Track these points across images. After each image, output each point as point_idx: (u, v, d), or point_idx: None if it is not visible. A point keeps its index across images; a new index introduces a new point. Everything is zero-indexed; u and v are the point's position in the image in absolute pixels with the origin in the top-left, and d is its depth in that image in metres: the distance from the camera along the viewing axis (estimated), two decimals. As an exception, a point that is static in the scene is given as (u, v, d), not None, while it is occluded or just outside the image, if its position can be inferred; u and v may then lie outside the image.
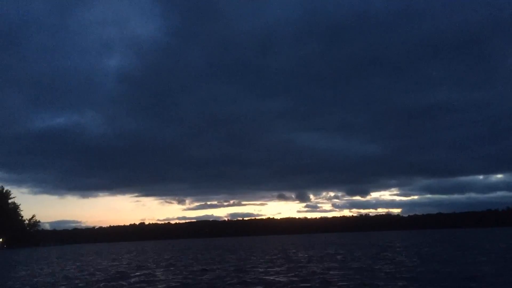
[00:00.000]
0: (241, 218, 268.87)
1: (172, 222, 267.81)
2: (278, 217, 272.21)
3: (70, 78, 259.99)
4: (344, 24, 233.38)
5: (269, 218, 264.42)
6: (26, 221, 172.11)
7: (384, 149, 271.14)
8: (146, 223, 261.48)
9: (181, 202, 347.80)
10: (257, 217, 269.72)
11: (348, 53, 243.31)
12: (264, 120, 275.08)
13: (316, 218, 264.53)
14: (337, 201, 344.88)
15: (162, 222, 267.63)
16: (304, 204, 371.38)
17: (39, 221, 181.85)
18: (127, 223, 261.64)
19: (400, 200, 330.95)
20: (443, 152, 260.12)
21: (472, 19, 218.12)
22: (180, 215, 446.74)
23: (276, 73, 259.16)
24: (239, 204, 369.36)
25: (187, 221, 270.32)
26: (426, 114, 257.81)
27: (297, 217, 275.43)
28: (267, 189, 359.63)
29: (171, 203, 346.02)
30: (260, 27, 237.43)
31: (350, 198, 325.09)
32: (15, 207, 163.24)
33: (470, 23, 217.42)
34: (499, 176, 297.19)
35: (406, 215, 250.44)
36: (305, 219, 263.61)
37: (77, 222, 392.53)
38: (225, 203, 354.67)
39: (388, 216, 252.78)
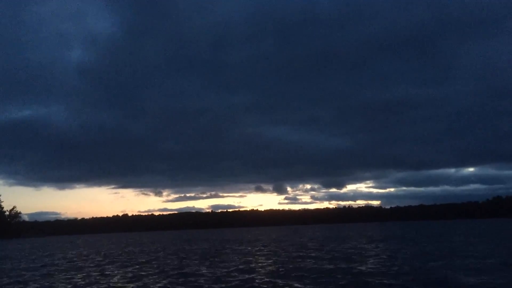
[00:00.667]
0: (224, 210, 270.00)
1: (155, 213, 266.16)
2: (261, 208, 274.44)
3: (33, 71, 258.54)
4: (296, 21, 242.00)
5: (253, 209, 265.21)
6: (7, 213, 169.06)
7: (353, 143, 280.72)
8: (129, 214, 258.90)
9: (158, 194, 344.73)
10: (240, 209, 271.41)
11: (303, 49, 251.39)
12: (230, 114, 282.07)
13: (300, 210, 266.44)
14: (315, 193, 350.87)
15: (146, 214, 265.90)
16: (284, 196, 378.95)
17: (20, 212, 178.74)
18: (108, 215, 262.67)
19: (378, 192, 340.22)
20: (411, 146, 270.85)
21: (421, 18, 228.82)
22: (161, 207, 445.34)
23: (234, 68, 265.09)
24: (217, 196, 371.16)
25: (169, 212, 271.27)
26: (388, 109, 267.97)
27: (279, 208, 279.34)
28: (244, 182, 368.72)
29: (148, 195, 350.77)
30: (213, 24, 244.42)
31: (327, 190, 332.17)
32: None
33: (419, 22, 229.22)
34: (471, 169, 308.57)
35: (387, 207, 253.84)
36: (290, 210, 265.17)
37: (56, 213, 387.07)
38: (204, 195, 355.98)
39: (371, 208, 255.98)
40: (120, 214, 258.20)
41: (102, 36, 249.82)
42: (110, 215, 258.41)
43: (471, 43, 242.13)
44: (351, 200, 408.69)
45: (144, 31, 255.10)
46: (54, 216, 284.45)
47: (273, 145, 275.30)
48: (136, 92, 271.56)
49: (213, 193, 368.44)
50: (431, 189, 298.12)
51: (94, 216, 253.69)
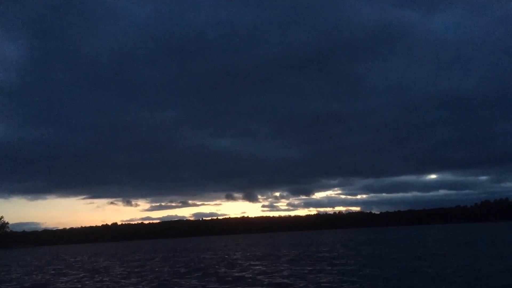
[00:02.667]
0: (207, 218, 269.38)
1: (138, 222, 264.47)
2: (245, 215, 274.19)
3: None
4: (203, 40, 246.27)
5: (243, 217, 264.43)
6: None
7: (301, 153, 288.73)
8: (109, 224, 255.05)
9: (128, 204, 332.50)
10: (225, 216, 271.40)
11: (214, 68, 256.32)
12: (165, 127, 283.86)
13: (289, 216, 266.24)
14: (291, 201, 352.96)
15: (137, 222, 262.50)
16: (261, 203, 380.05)
17: (7, 223, 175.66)
18: (89, 224, 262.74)
19: (353, 198, 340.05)
20: (358, 155, 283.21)
21: (317, 39, 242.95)
22: (143, 216, 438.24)
23: (153, 85, 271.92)
24: (192, 205, 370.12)
25: (155, 221, 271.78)
26: (318, 122, 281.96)
27: (264, 215, 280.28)
28: (213, 191, 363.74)
29: (117, 204, 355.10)
30: (117, 46, 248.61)
31: (300, 197, 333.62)
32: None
33: (315, 43, 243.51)
34: (433, 176, 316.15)
35: (377, 212, 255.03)
36: (279, 217, 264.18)
37: (36, 223, 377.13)
38: (179, 204, 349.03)
39: (361, 213, 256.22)
40: (101, 224, 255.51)
41: (10, 57, 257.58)
42: (92, 224, 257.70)
43: (369, 62, 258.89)
44: (329, 207, 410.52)
45: (48, 52, 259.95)
46: (33, 226, 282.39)
47: (222, 156, 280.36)
48: (62, 109, 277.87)
49: (186, 201, 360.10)
50: (403, 195, 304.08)
51: (75, 226, 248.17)
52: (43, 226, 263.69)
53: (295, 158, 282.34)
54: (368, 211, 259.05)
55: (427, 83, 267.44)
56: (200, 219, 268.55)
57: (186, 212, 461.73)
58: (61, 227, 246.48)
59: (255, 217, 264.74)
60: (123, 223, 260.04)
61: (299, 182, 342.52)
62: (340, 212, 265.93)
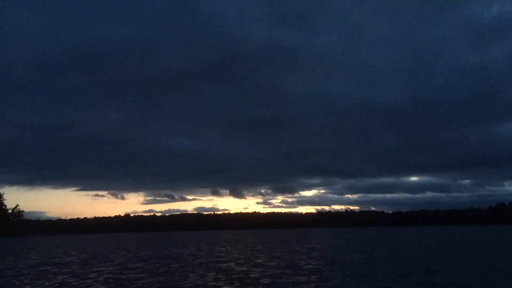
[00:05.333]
0: (211, 213, 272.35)
1: (146, 214, 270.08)
2: (245, 211, 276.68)
3: None
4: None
5: (248, 212, 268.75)
6: (10, 211, 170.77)
7: (264, 154, 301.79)
8: (122, 215, 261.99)
9: (118, 196, 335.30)
10: (230, 211, 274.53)
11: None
12: (111, 128, 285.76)
13: (292, 213, 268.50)
14: (284, 198, 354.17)
15: (147, 215, 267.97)
16: (255, 200, 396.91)
17: (22, 211, 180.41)
18: (89, 216, 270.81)
19: (345, 198, 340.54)
20: (326, 156, 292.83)
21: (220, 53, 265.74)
22: (146, 209, 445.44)
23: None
24: (185, 200, 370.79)
25: (158, 214, 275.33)
26: (264, 126, 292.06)
27: (266, 212, 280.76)
28: (197, 186, 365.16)
29: (104, 197, 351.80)
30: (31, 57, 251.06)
31: (287, 195, 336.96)
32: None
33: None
34: (414, 178, 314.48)
35: (384, 212, 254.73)
36: (285, 213, 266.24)
37: (42, 212, 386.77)
38: (173, 198, 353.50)
39: (372, 212, 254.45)
40: (95, 216, 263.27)
41: None
42: (92, 215, 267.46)
43: (270, 73, 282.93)
44: (326, 205, 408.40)
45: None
46: (39, 215, 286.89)
47: (186, 155, 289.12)
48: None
49: (175, 196, 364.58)
50: (392, 195, 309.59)
51: (81, 217, 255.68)
52: (50, 215, 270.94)
53: (259, 158, 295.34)
54: (366, 210, 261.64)
55: (346, 93, 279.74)
56: (201, 213, 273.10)
57: (187, 206, 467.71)
58: (63, 217, 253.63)
59: (266, 213, 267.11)
60: (136, 215, 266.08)
61: (280, 181, 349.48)
62: (350, 211, 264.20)
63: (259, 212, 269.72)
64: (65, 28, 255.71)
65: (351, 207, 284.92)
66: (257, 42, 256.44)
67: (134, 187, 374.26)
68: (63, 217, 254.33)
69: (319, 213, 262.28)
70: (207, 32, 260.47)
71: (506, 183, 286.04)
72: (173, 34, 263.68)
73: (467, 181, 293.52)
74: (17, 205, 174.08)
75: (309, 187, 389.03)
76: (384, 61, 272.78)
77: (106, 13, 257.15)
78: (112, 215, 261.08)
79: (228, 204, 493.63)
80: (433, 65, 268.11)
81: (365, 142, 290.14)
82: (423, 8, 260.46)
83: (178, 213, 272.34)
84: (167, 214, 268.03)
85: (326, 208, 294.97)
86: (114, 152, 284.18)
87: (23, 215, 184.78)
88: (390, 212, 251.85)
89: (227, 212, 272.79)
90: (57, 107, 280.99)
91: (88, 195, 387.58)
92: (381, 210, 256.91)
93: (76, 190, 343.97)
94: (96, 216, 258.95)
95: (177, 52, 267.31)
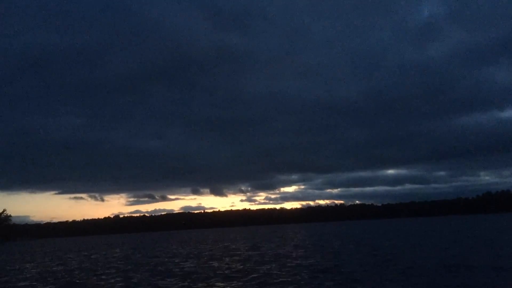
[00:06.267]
0: (201, 211, 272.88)
1: (132, 215, 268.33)
2: (233, 209, 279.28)
3: None
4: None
5: (239, 209, 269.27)
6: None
7: (237, 153, 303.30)
8: (88, 218, 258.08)
9: (97, 198, 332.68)
10: (217, 209, 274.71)
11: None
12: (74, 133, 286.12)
13: (282, 209, 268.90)
14: (266, 195, 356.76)
15: (137, 215, 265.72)
16: (238, 198, 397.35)
17: (10, 215, 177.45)
18: (71, 219, 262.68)
19: (327, 192, 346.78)
20: (300, 153, 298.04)
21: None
22: (131, 210, 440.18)
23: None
24: (167, 199, 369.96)
25: (147, 215, 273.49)
26: (229, 126, 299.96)
27: (263, 208, 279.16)
28: (177, 186, 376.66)
29: (84, 199, 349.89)
30: None
31: (272, 191, 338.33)
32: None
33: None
34: (390, 171, 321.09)
35: (373, 204, 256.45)
36: (267, 210, 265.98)
37: (26, 216, 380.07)
38: (154, 198, 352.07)
39: (362, 205, 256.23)
40: (79, 219, 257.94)
41: None
42: (75, 218, 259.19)
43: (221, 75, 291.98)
44: (310, 200, 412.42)
45: None
46: (23, 219, 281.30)
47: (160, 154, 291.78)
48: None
49: (160, 195, 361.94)
50: (373, 189, 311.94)
51: (69, 220, 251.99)
52: (34, 219, 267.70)
53: (232, 157, 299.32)
54: (352, 204, 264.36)
55: (301, 92, 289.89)
56: (187, 212, 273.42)
57: (173, 206, 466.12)
58: (47, 221, 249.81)
59: (256, 209, 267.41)
60: (125, 216, 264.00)
61: (257, 178, 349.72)
62: (340, 205, 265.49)
63: (249, 209, 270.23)
64: (14, 35, 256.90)
65: (336, 201, 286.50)
66: (203, 46, 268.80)
67: (113, 189, 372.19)
68: (48, 221, 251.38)
69: (309, 208, 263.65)
70: (151, 38, 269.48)
71: (481, 173, 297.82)
72: (118, 40, 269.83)
73: (442, 172, 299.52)
74: (4, 210, 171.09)
75: (288, 183, 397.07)
76: (331, 61, 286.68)
77: (54, 21, 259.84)
78: (97, 217, 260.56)
79: (213, 202, 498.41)
80: (378, 64, 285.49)
81: (334, 138, 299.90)
82: (359, 11, 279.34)
83: (165, 212, 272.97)
84: (157, 214, 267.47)
85: (311, 203, 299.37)
86: (85, 155, 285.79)
87: (11, 220, 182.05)
88: (379, 205, 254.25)
89: (216, 210, 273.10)
90: (12, 113, 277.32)
91: (68, 198, 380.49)
92: (369, 203, 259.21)
93: (56, 193, 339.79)
94: (85, 218, 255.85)
95: (123, 57, 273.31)
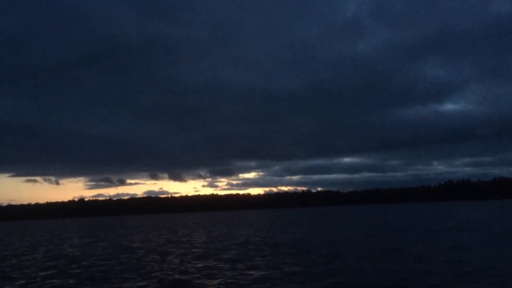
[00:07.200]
0: (168, 196, 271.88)
1: (90, 200, 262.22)
2: (200, 194, 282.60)
3: None
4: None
5: (206, 194, 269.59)
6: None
7: (188, 140, 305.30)
8: (59, 201, 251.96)
9: (52, 182, 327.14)
10: (182, 194, 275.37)
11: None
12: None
13: (244, 195, 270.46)
14: (228, 180, 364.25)
15: (103, 199, 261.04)
16: (199, 183, 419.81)
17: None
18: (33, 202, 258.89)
19: (290, 179, 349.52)
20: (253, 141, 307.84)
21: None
22: (93, 193, 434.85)
23: None
24: (125, 183, 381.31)
25: (114, 199, 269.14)
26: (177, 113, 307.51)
27: (228, 193, 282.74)
28: (132, 171, 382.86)
29: (38, 182, 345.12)
30: None
31: (229, 177, 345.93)
32: None
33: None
34: (346, 159, 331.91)
35: (339, 191, 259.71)
36: (235, 195, 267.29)
37: None
38: (112, 182, 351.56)
39: (328, 192, 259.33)
40: (43, 201, 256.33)
41: None
42: (36, 202, 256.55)
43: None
44: (270, 187, 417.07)
45: None
46: None
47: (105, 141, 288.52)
48: None
49: (117, 179, 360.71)
50: (333, 176, 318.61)
51: (29, 203, 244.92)
52: None
53: (184, 143, 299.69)
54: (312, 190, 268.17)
55: (244, 82, 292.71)
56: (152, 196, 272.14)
57: (137, 190, 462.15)
58: (5, 204, 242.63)
59: (224, 195, 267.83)
60: (90, 199, 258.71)
61: (214, 164, 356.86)
62: (310, 191, 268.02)
63: (217, 194, 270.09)
64: None
65: (299, 188, 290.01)
66: (132, 34, 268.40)
67: (67, 172, 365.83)
68: (6, 203, 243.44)
69: (276, 194, 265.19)
70: (78, 26, 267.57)
71: (434, 163, 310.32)
72: (46, 28, 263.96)
73: (395, 161, 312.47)
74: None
75: (247, 169, 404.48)
76: (265, 53, 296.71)
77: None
78: (56, 200, 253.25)
79: (176, 187, 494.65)
80: (312, 57, 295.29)
81: (282, 127, 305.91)
82: (285, 7, 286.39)
83: (128, 197, 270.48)
84: (121, 198, 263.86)
85: (274, 189, 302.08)
86: (33, 138, 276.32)
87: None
88: (344, 191, 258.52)
89: (179, 195, 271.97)
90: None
91: (22, 180, 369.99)
92: (336, 190, 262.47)
93: (10, 176, 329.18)
94: (49, 201, 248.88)
95: (53, 43, 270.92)
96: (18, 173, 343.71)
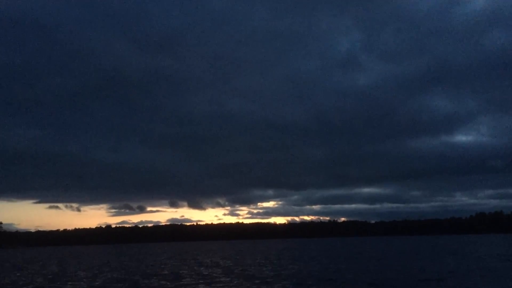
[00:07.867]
0: (194, 223, 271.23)
1: (118, 226, 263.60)
2: (225, 222, 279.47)
3: None
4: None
5: (232, 223, 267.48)
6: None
7: (200, 168, 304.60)
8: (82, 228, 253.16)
9: (73, 208, 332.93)
10: (206, 223, 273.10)
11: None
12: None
13: (269, 224, 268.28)
14: (248, 209, 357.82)
15: (127, 226, 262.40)
16: (220, 211, 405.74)
17: (1, 223, 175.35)
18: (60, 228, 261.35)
19: (309, 208, 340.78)
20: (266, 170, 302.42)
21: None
22: (117, 220, 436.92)
23: None
24: (146, 211, 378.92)
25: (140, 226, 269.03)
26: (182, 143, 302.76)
27: (239, 222, 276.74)
28: (153, 199, 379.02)
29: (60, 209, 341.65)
30: None
31: (248, 206, 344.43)
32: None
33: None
34: (366, 189, 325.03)
35: (366, 222, 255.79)
36: (260, 224, 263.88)
37: (11, 224, 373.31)
38: (135, 210, 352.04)
39: (355, 222, 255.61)
40: (71, 228, 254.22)
41: None
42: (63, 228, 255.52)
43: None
44: (294, 216, 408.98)
45: None
46: (7, 227, 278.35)
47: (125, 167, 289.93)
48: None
49: (137, 208, 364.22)
50: (355, 206, 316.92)
51: (57, 229, 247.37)
52: (20, 227, 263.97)
53: (199, 171, 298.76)
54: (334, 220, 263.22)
55: (249, 112, 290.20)
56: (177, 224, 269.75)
57: (153, 218, 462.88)
58: (30, 229, 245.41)
59: (249, 223, 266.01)
60: (117, 226, 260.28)
61: (232, 193, 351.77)
62: (333, 221, 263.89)
63: (242, 223, 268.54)
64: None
65: (321, 218, 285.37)
66: (134, 68, 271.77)
67: (89, 200, 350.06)
68: (32, 229, 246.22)
69: (302, 224, 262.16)
70: (81, 61, 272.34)
71: (457, 194, 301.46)
72: (51, 63, 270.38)
73: (416, 192, 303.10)
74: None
75: (265, 198, 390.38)
76: (266, 86, 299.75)
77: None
78: (80, 226, 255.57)
79: (197, 215, 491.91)
80: (313, 91, 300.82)
81: (293, 156, 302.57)
82: (279, 41, 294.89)
83: (152, 224, 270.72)
84: (146, 226, 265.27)
85: (296, 218, 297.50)
86: (49, 166, 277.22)
87: (1, 227, 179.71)
88: (372, 222, 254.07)
89: (204, 223, 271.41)
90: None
91: (46, 207, 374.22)
92: (363, 220, 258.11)
93: (34, 202, 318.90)
94: (77, 228, 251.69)
95: (60, 77, 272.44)
96: (41, 200, 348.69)
